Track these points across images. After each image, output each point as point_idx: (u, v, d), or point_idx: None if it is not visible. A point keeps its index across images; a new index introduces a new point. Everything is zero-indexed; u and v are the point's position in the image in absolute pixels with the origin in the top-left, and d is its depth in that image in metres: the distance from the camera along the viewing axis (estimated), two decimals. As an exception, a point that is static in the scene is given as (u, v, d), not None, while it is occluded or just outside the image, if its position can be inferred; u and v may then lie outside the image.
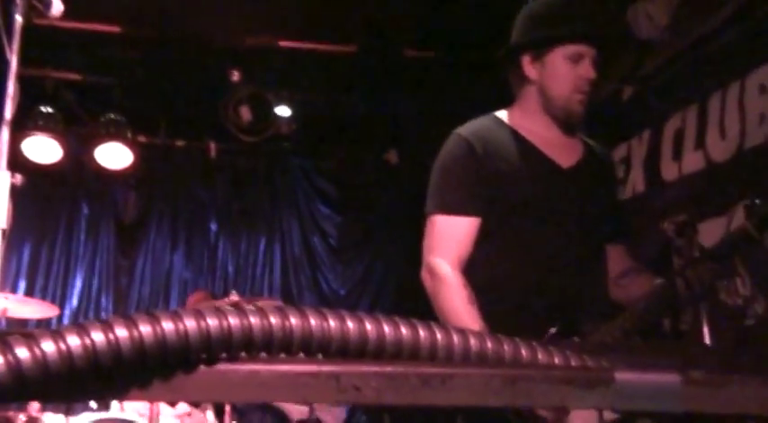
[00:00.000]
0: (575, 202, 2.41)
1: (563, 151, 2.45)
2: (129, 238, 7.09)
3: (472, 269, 2.35)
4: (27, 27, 2.18)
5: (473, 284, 2.30)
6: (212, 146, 6.90)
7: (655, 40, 3.84)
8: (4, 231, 2.09)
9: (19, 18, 2.01)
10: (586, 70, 2.37)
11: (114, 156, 6.40)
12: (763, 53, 3.13)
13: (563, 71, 2.37)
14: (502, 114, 2.49)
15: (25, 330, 0.90)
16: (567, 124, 2.44)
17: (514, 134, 2.43)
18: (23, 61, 2.27)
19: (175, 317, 0.91)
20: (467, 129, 2.44)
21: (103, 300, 6.92)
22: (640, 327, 2.19)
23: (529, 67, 2.42)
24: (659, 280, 2.27)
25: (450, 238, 2.35)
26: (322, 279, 7.19)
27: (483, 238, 2.36)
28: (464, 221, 2.36)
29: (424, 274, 2.38)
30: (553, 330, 2.23)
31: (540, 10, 2.44)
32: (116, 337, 0.89)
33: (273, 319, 0.96)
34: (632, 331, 2.19)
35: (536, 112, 2.44)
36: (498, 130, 2.43)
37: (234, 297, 5.07)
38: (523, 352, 0.98)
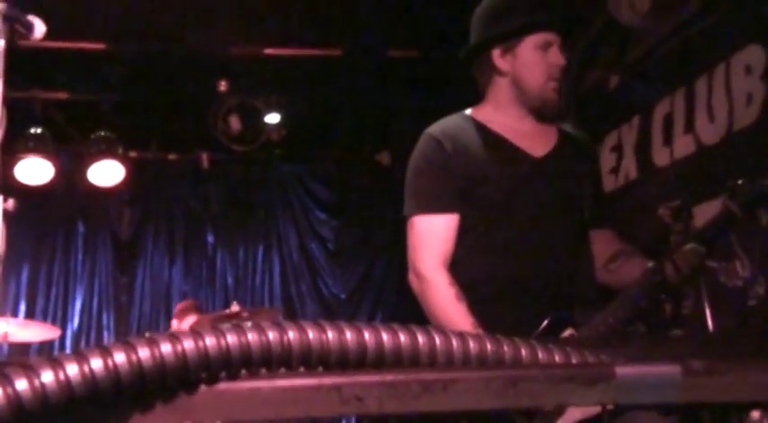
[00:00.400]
0: (551, 191, 2.41)
1: (535, 141, 2.45)
2: (127, 254, 7.08)
3: (456, 266, 2.35)
4: (11, 50, 2.17)
5: (459, 282, 2.30)
6: (204, 157, 6.89)
7: (637, 26, 3.85)
8: (-1, 257, 2.08)
9: (1, 42, 2.00)
10: (557, 57, 2.39)
11: (107, 172, 6.39)
12: (747, 34, 3.14)
13: (535, 60, 2.38)
14: (471, 111, 2.49)
15: (24, 359, 0.90)
16: (542, 113, 2.44)
17: (484, 129, 2.43)
18: (10, 84, 2.27)
19: (173, 339, 0.91)
20: (435, 127, 2.44)
21: (104, 318, 6.92)
22: (634, 313, 2.20)
23: (500, 60, 2.42)
24: (650, 263, 2.27)
25: (431, 237, 2.35)
26: (322, 284, 7.19)
27: (463, 235, 2.37)
28: (443, 219, 2.36)
29: (411, 277, 2.39)
30: (546, 322, 2.24)
31: (502, 3, 2.46)
32: (114, 364, 0.89)
33: (271, 335, 0.96)
34: (626, 318, 2.20)
35: (508, 104, 2.44)
36: (468, 126, 2.43)
37: (235, 308, 5.07)
38: (523, 352, 0.98)
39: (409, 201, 2.43)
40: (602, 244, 2.51)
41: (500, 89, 2.45)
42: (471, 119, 2.46)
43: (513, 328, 2.22)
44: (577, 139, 2.58)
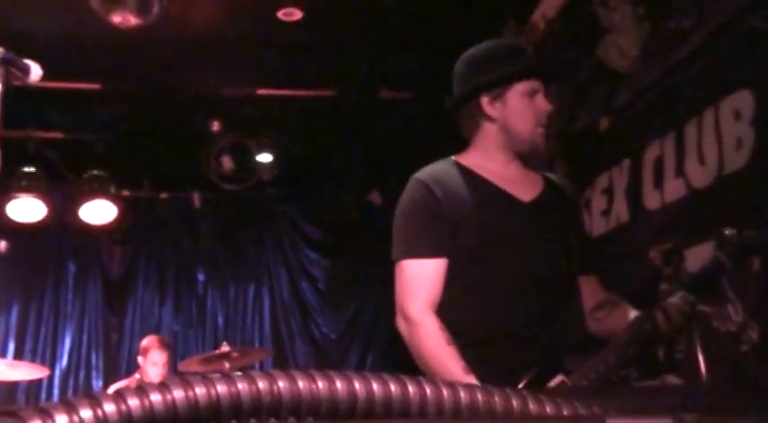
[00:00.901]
0: (539, 235, 2.42)
1: (522, 186, 2.47)
2: (117, 293, 7.05)
3: (442, 310, 2.34)
4: (6, 90, 2.18)
5: (446, 325, 2.29)
6: (196, 196, 6.90)
7: (626, 71, 3.89)
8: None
9: (0, 87, 2.01)
10: (543, 104, 2.43)
11: (98, 211, 6.39)
12: (736, 79, 3.17)
13: (524, 107, 2.42)
14: (457, 157, 2.52)
15: (11, 409, 0.89)
16: (530, 158, 2.47)
17: (471, 174, 2.45)
18: (3, 124, 2.27)
19: (163, 388, 0.91)
20: (424, 173, 2.46)
21: (93, 357, 6.87)
22: (624, 360, 2.19)
23: (489, 108, 2.44)
24: (636, 313, 2.28)
25: (420, 282, 2.35)
26: (312, 324, 7.16)
27: (451, 279, 2.37)
28: (432, 263, 2.36)
29: (399, 321, 2.38)
30: (535, 368, 2.23)
31: (487, 53, 2.50)
32: (104, 413, 0.88)
33: (261, 384, 0.95)
34: (617, 365, 2.19)
35: (495, 150, 2.47)
36: (455, 171, 2.46)
37: (225, 348, 5.02)
38: (514, 403, 0.98)
39: (398, 245, 2.44)
40: (588, 291, 2.51)
41: (488, 135, 2.47)
42: (458, 164, 2.48)
43: (501, 374, 2.22)
44: (561, 187, 2.62)
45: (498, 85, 2.43)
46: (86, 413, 0.88)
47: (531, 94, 2.42)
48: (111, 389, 5.32)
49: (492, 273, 2.37)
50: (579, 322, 2.46)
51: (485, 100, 2.44)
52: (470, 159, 2.49)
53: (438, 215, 2.37)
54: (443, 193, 2.39)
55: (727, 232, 2.07)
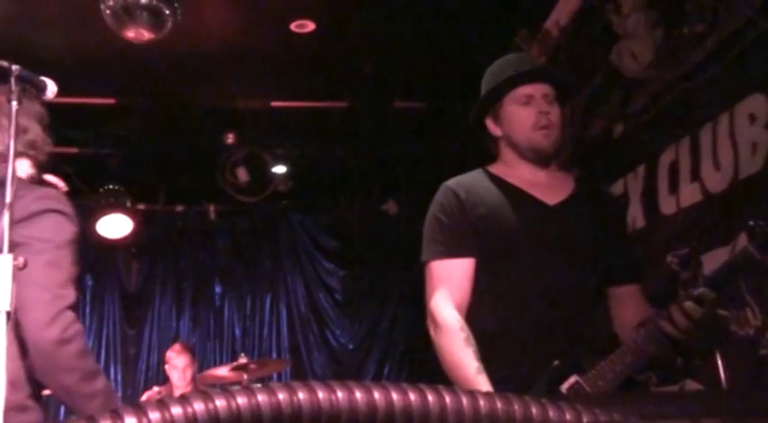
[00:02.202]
0: (564, 237, 2.42)
1: (549, 190, 2.50)
2: (135, 306, 7.08)
3: (469, 313, 2.38)
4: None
5: (472, 328, 2.32)
6: (211, 209, 6.93)
7: (640, 76, 3.88)
8: (8, 314, 2.08)
9: (15, 104, 2.02)
10: (538, 106, 2.46)
11: (115, 225, 6.42)
12: (750, 83, 3.16)
13: (517, 115, 2.47)
14: (488, 167, 2.59)
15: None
16: (539, 160, 2.50)
17: (499, 180, 2.51)
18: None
19: (184, 402, 0.92)
20: (453, 180, 2.55)
21: (112, 370, 6.89)
22: (642, 360, 2.20)
23: (493, 127, 2.54)
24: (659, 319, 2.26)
25: (446, 281, 2.39)
26: (330, 335, 7.16)
27: (476, 281, 2.41)
28: (459, 263, 2.41)
29: (428, 322, 2.42)
30: (556, 363, 2.24)
31: (486, 74, 2.59)
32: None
33: (281, 396, 0.96)
34: (634, 365, 2.20)
35: (515, 161, 2.53)
36: (483, 178, 2.53)
37: (242, 360, 5.03)
38: (534, 410, 0.98)
39: (427, 247, 2.49)
40: (632, 302, 2.49)
41: (504, 151, 2.56)
42: (487, 172, 2.56)
43: (520, 372, 2.24)
44: (597, 190, 2.66)
45: (492, 102, 2.52)
46: (108, 426, 0.89)
47: (526, 101, 2.47)
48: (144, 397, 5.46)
49: (511, 273, 2.39)
50: (602, 326, 2.46)
51: (489, 122, 2.55)
52: (499, 169, 2.57)
53: (463, 216, 2.43)
54: (467, 196, 2.45)
55: (752, 223, 2.05)
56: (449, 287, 2.38)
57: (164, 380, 5.84)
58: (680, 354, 2.24)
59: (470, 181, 2.52)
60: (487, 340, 2.31)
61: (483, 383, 2.19)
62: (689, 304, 2.13)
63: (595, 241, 2.46)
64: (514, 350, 2.34)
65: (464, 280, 2.40)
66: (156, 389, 5.52)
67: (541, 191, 2.48)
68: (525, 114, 2.46)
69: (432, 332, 2.39)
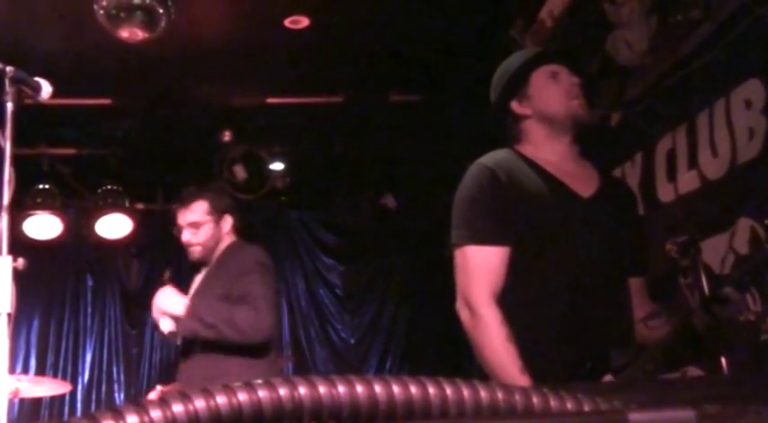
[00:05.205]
0: (596, 232, 2.39)
1: (581, 181, 2.46)
2: (136, 306, 7.07)
3: (501, 302, 2.30)
4: (18, 108, 2.20)
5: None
6: (211, 207, 6.91)
7: (636, 65, 3.88)
8: (9, 315, 2.09)
9: (10, 105, 2.03)
10: (568, 79, 2.47)
11: (114, 225, 6.43)
12: (745, 69, 3.16)
13: (547, 87, 2.47)
14: (517, 146, 2.52)
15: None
16: (578, 130, 2.48)
17: (533, 164, 2.43)
18: (17, 142, 2.29)
19: (185, 399, 0.91)
20: (488, 159, 2.44)
21: (114, 371, 6.89)
22: (672, 358, 2.17)
23: (520, 108, 2.50)
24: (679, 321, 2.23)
25: (484, 270, 2.30)
26: (331, 330, 7.17)
27: (511, 270, 2.33)
28: (497, 251, 2.32)
29: (461, 307, 2.32)
30: (589, 364, 2.21)
31: (504, 63, 2.59)
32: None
33: (282, 391, 0.96)
34: (664, 362, 2.17)
35: (545, 141, 2.48)
36: (517, 160, 2.44)
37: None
38: (535, 400, 0.98)
39: (461, 229, 2.37)
40: (638, 297, 2.48)
41: (532, 130, 2.49)
42: (519, 153, 2.47)
43: (553, 369, 2.20)
44: (618, 184, 2.64)
45: (519, 84, 2.48)
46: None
47: (554, 75, 2.46)
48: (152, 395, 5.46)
49: (549, 268, 2.33)
50: (629, 321, 2.43)
51: (514, 104, 2.50)
52: (528, 151, 2.49)
53: (504, 202, 2.33)
54: (509, 180, 2.36)
55: None
56: (487, 276, 2.29)
57: (167, 379, 5.84)
58: (701, 352, 2.21)
59: (506, 162, 2.42)
60: (522, 334, 2.24)
61: (527, 384, 2.13)
62: (715, 302, 2.09)
63: (621, 236, 2.45)
64: (545, 349, 2.29)
65: (502, 269, 2.31)
66: (159, 388, 5.52)
67: (574, 181, 2.43)
68: (557, 86, 2.45)
69: (467, 322, 2.29)
